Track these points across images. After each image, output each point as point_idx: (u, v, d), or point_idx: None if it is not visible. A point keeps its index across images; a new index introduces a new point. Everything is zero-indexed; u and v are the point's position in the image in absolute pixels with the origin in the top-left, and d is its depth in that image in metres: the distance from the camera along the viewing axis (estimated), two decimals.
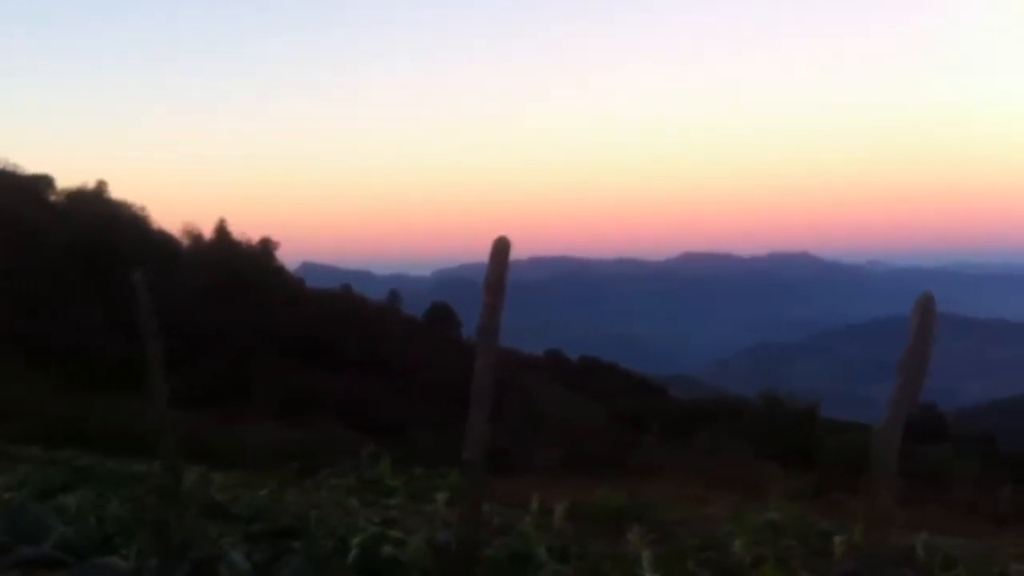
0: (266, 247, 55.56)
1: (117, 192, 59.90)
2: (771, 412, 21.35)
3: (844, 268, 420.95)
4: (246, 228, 69.21)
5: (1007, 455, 28.92)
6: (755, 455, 18.32)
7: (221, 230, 54.53)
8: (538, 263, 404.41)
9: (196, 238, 54.04)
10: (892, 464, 3.55)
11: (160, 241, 50.70)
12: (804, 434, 18.58)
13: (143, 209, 56.32)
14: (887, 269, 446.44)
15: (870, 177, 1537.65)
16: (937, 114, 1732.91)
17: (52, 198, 55.32)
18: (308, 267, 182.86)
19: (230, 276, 39.86)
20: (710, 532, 9.43)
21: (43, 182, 56.39)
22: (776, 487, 14.24)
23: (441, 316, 51.47)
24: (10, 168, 55.79)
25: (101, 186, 56.68)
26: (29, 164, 66.81)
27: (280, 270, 55.67)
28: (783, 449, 18.33)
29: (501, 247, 4.53)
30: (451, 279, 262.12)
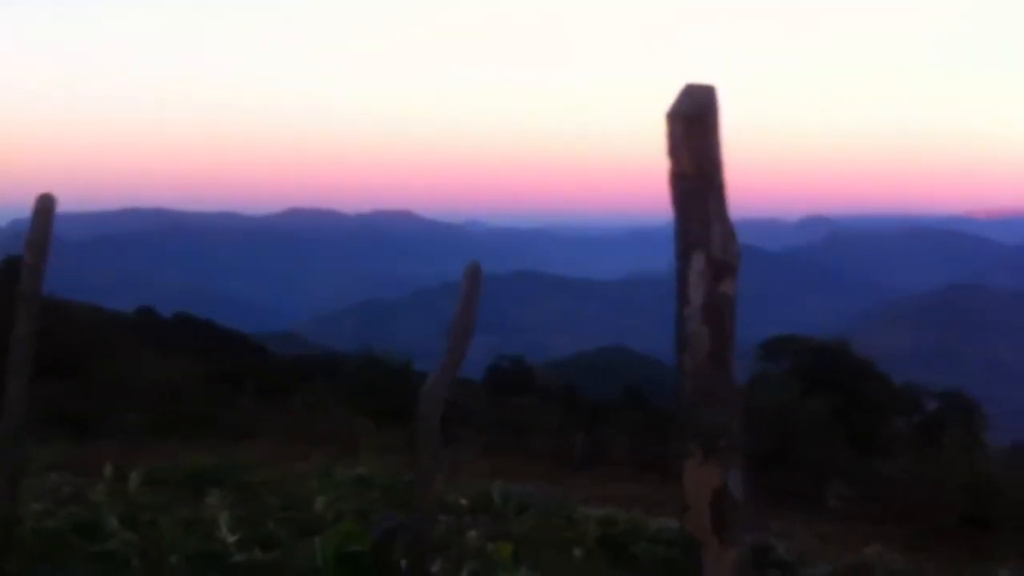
0: None
1: None
2: (368, 368, 21.60)
3: (444, 227, 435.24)
4: None
5: (586, 404, 31.05)
6: (352, 411, 18.39)
7: None
8: (131, 214, 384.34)
9: None
10: (436, 422, 3.64)
11: None
12: (399, 389, 18.92)
13: None
14: (485, 229, 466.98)
15: (469, 140, 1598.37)
16: (518, 91, 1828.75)
17: None
18: None
19: None
20: (297, 491, 9.38)
21: None
22: (369, 443, 14.37)
23: (15, 271, 47.48)
24: None
25: None
26: None
27: None
28: (379, 405, 18.56)
29: (45, 206, 4.11)
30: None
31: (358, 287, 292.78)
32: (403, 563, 4.72)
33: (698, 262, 2.39)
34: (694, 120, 2.33)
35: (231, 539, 6.83)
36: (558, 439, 18.75)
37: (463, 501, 9.20)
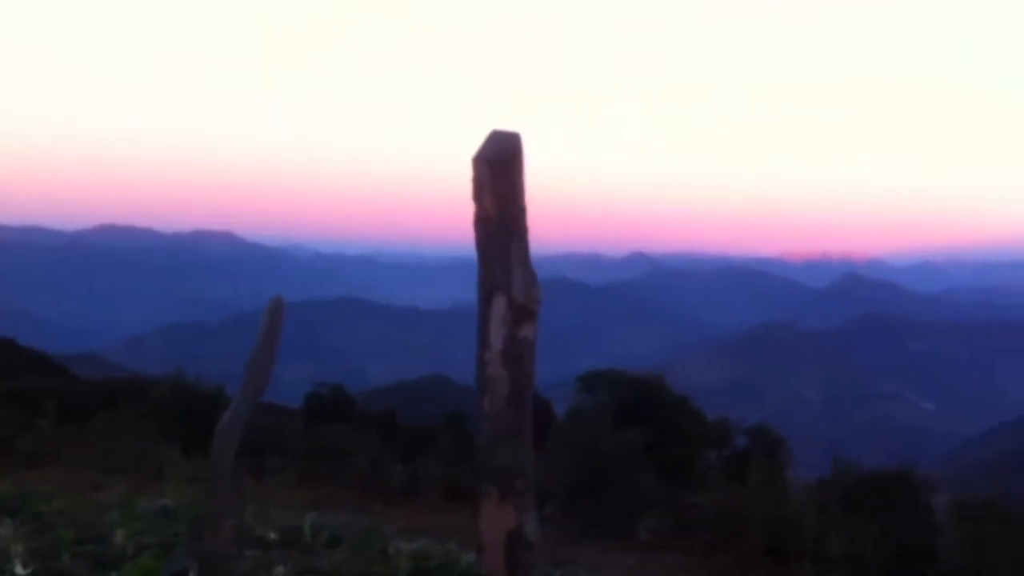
0: None
1: None
2: (177, 394, 20.89)
3: (267, 250, 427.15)
4: None
5: (406, 433, 30.83)
6: (159, 438, 17.77)
7: None
8: None
9: None
10: (231, 458, 3.55)
11: None
12: (210, 416, 18.34)
13: None
14: (309, 253, 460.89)
15: (295, 163, 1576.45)
16: (346, 115, 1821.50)
17: None
18: None
19: None
20: (95, 522, 9.00)
21: None
22: (176, 472, 13.92)
23: None
24: None
25: None
26: None
27: None
28: (188, 432, 17.98)
29: None
30: None
31: (173, 309, 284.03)
32: None
33: (499, 306, 2.42)
34: (498, 165, 2.36)
35: (23, 573, 6.52)
36: (375, 469, 18.54)
37: (272, 535, 8.99)
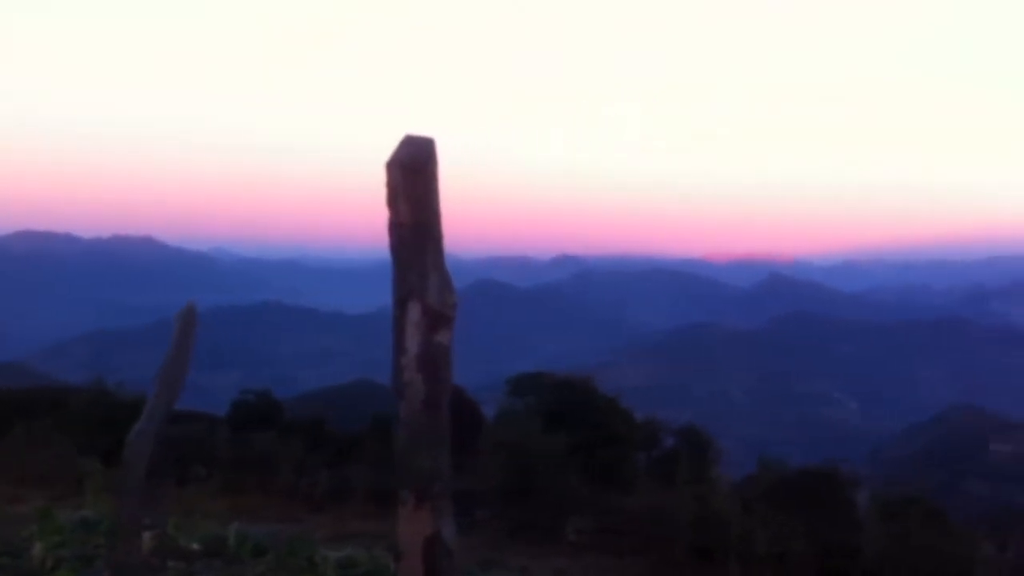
0: None
1: None
2: (98, 402, 20.48)
3: (189, 255, 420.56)
4: None
5: (333, 439, 30.51)
6: (79, 449, 17.39)
7: None
8: None
9: None
10: (142, 469, 3.50)
11: None
12: (131, 425, 17.99)
13: None
14: (232, 258, 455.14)
15: (216, 165, 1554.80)
16: (265, 116, 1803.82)
17: None
18: None
19: None
20: (13, 535, 8.80)
21: None
22: (96, 483, 13.64)
23: None
24: None
25: None
26: None
27: None
28: (108, 442, 17.61)
29: None
30: None
31: (94, 315, 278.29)
32: None
33: (414, 312, 2.40)
34: (413, 170, 2.34)
35: None
36: (302, 476, 18.36)
37: (195, 545, 8.85)
